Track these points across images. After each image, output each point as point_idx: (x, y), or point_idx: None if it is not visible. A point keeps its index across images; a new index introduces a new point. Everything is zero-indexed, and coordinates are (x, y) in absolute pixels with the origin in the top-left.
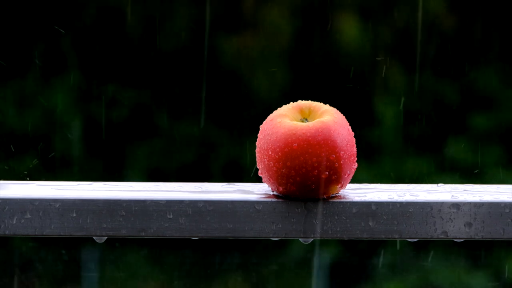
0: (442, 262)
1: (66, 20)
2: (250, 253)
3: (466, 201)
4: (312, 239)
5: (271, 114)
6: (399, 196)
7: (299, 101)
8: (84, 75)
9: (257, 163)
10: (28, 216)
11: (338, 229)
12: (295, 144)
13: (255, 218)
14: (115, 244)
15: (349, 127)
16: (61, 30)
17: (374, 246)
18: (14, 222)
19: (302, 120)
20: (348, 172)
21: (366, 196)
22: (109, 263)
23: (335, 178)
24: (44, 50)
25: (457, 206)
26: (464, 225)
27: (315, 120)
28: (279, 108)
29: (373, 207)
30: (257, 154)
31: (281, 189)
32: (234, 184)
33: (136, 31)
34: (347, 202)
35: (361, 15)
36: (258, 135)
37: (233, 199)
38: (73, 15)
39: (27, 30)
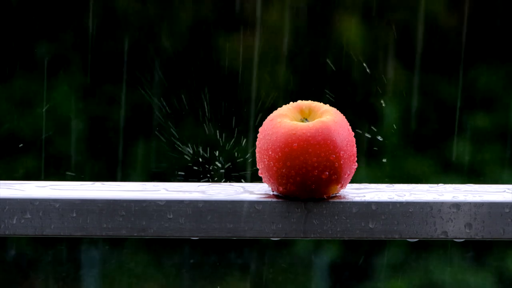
0: (442, 261)
1: (68, 20)
2: (250, 253)
3: (466, 201)
4: (311, 238)
5: (271, 114)
6: (399, 196)
7: (299, 101)
8: (85, 75)
9: (257, 163)
10: (28, 216)
11: (338, 229)
12: (295, 144)
13: (255, 218)
14: (115, 244)
15: (349, 127)
16: (62, 29)
17: (374, 246)
18: (14, 222)
19: (302, 120)
20: (348, 172)
21: (366, 196)
22: (109, 263)
23: (335, 178)
24: (45, 50)
25: (457, 206)
26: (464, 225)
27: (315, 120)
28: (279, 108)
29: (373, 207)
30: (257, 154)
31: (281, 189)
32: (234, 184)
33: (137, 31)
34: (347, 202)
35: (362, 14)
36: (258, 135)
37: (233, 199)
38: (74, 15)
39: (28, 30)
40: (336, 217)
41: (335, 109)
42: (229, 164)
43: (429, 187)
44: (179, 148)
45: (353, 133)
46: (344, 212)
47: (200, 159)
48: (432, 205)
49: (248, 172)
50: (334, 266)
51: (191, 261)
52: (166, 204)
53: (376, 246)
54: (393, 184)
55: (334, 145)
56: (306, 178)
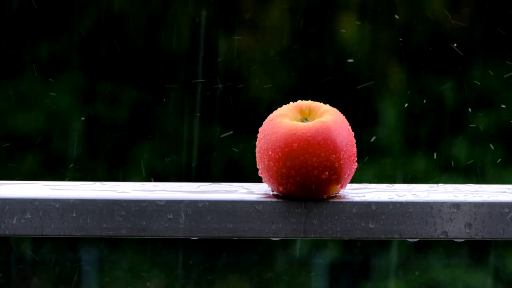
0: (442, 261)
1: (67, 20)
2: (250, 253)
3: (466, 201)
4: (311, 238)
5: (271, 114)
6: (399, 196)
7: (299, 101)
8: (85, 74)
9: (257, 163)
10: (28, 216)
11: (338, 229)
12: (295, 144)
13: (255, 218)
14: (115, 244)
15: (349, 127)
16: (62, 30)
17: (374, 246)
18: (14, 222)
19: (302, 120)
20: (348, 172)
21: (366, 196)
22: (109, 263)
23: (335, 178)
24: (45, 50)
25: (457, 206)
26: (464, 225)
27: (315, 120)
28: (279, 108)
29: (373, 207)
30: (257, 154)
31: (281, 189)
32: (234, 184)
33: (137, 31)
34: (347, 202)
35: (361, 14)
36: (258, 135)
37: (233, 199)
38: (74, 15)
39: (28, 30)
40: (336, 217)
41: (335, 109)
42: (229, 164)
43: (429, 187)
44: (179, 148)
45: (353, 133)
46: (344, 212)
47: (200, 159)
48: (432, 205)
49: (248, 172)
50: (334, 266)
51: (191, 261)
52: (166, 204)
53: (376, 246)
54: (393, 184)
55: (334, 145)
56: (306, 178)
